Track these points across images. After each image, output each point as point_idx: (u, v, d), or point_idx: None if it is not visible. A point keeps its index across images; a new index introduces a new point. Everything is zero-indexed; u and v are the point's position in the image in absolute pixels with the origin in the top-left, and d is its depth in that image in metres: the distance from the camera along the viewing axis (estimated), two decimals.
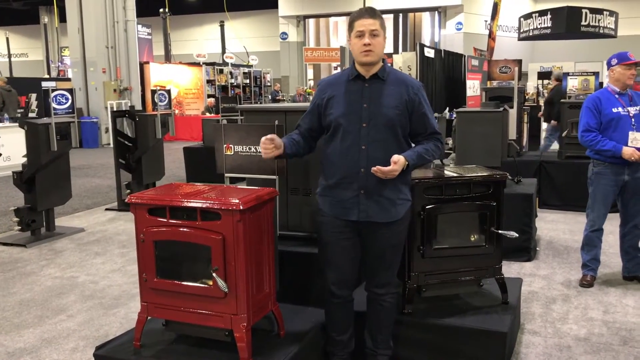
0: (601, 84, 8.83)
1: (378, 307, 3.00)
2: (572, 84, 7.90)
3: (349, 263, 2.91)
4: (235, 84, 21.84)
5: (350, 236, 2.86)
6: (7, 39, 27.00)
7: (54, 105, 6.28)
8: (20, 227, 6.20)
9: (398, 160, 2.67)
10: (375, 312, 3.03)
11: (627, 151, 4.24)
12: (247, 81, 22.53)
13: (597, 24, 13.76)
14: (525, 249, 5.26)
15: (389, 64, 2.86)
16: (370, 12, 2.72)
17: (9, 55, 26.91)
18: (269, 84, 23.64)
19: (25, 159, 6.19)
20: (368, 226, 2.82)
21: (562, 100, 7.67)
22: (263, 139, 2.73)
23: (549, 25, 13.92)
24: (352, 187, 2.77)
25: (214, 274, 2.62)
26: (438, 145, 2.87)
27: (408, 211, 2.89)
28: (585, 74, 7.99)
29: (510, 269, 4.91)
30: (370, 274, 2.96)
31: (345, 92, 2.79)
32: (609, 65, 4.47)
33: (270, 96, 22.40)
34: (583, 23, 13.58)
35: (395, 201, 2.80)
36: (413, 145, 2.87)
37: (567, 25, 13.63)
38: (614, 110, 4.35)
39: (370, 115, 2.73)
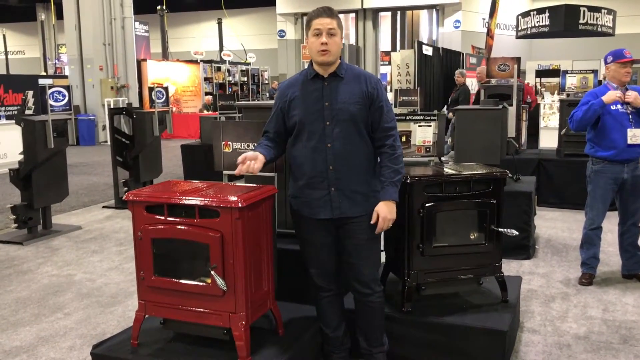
0: (599, 81, 8.81)
1: (366, 309, 2.98)
2: (571, 81, 7.89)
3: (332, 258, 2.94)
4: (232, 81, 21.81)
5: (328, 233, 2.88)
6: (4, 36, 26.88)
7: (50, 102, 6.24)
8: (16, 225, 6.17)
9: (383, 208, 2.77)
10: (364, 314, 3.01)
11: (606, 96, 4.25)
12: (245, 79, 22.49)
13: (595, 22, 13.75)
14: (524, 247, 5.24)
15: (347, 62, 2.94)
16: (328, 12, 2.74)
17: (6, 53, 26.82)
18: (266, 81, 23.60)
19: (22, 156, 6.16)
20: (343, 221, 2.83)
21: (561, 98, 7.66)
22: (240, 159, 2.71)
23: (547, 23, 13.91)
24: (322, 186, 2.79)
25: (212, 272, 2.59)
26: (394, 146, 2.82)
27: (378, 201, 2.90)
28: (584, 71, 7.98)
29: (509, 267, 4.89)
30: (352, 273, 2.92)
31: (306, 93, 2.81)
32: (605, 62, 4.47)
33: (267, 94, 22.37)
34: (581, 21, 13.57)
35: (368, 194, 2.84)
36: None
37: (565, 23, 13.62)
38: (613, 107, 4.33)
39: (332, 113, 2.76)
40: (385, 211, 2.79)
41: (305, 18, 23.00)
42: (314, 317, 3.12)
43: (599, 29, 13.78)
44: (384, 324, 3.07)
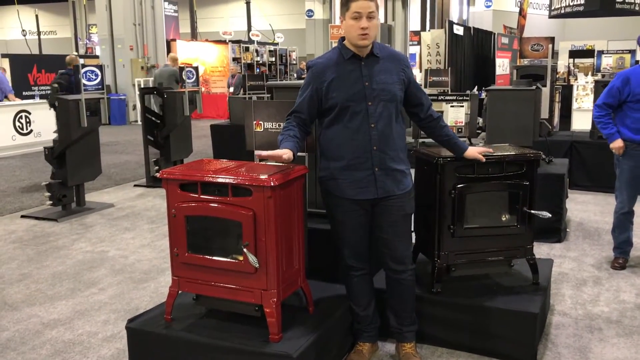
0: (637, 62, 8.60)
1: (398, 287, 3.00)
2: (607, 62, 7.70)
3: (365, 237, 2.96)
4: (261, 62, 21.77)
5: (364, 212, 2.89)
6: (37, 17, 27.22)
7: (83, 81, 6.32)
8: (51, 202, 6.32)
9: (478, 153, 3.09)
10: (396, 292, 3.02)
11: (614, 144, 4.34)
12: (273, 59, 22.43)
13: (632, 1, 13.34)
14: (556, 230, 5.18)
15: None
16: None
17: (38, 33, 27.16)
18: (294, 62, 23.51)
19: (56, 135, 6.28)
20: (381, 199, 2.85)
21: (596, 79, 7.50)
22: (268, 155, 2.66)
23: (582, 2, 13.55)
24: (365, 166, 2.79)
25: (244, 250, 2.63)
26: (440, 117, 3.07)
27: (411, 180, 3.00)
28: (620, 51, 7.79)
29: (540, 249, 4.84)
30: (387, 250, 2.94)
31: (344, 74, 2.78)
32: (638, 43, 4.37)
33: (295, 74, 22.30)
34: (618, 0, 13.18)
35: (405, 171, 2.90)
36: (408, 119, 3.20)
37: (601, 2, 13.25)
38: None
39: (373, 92, 2.76)
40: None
41: None
42: (344, 296, 3.15)
43: (637, 8, 13.37)
44: (415, 303, 3.08)
